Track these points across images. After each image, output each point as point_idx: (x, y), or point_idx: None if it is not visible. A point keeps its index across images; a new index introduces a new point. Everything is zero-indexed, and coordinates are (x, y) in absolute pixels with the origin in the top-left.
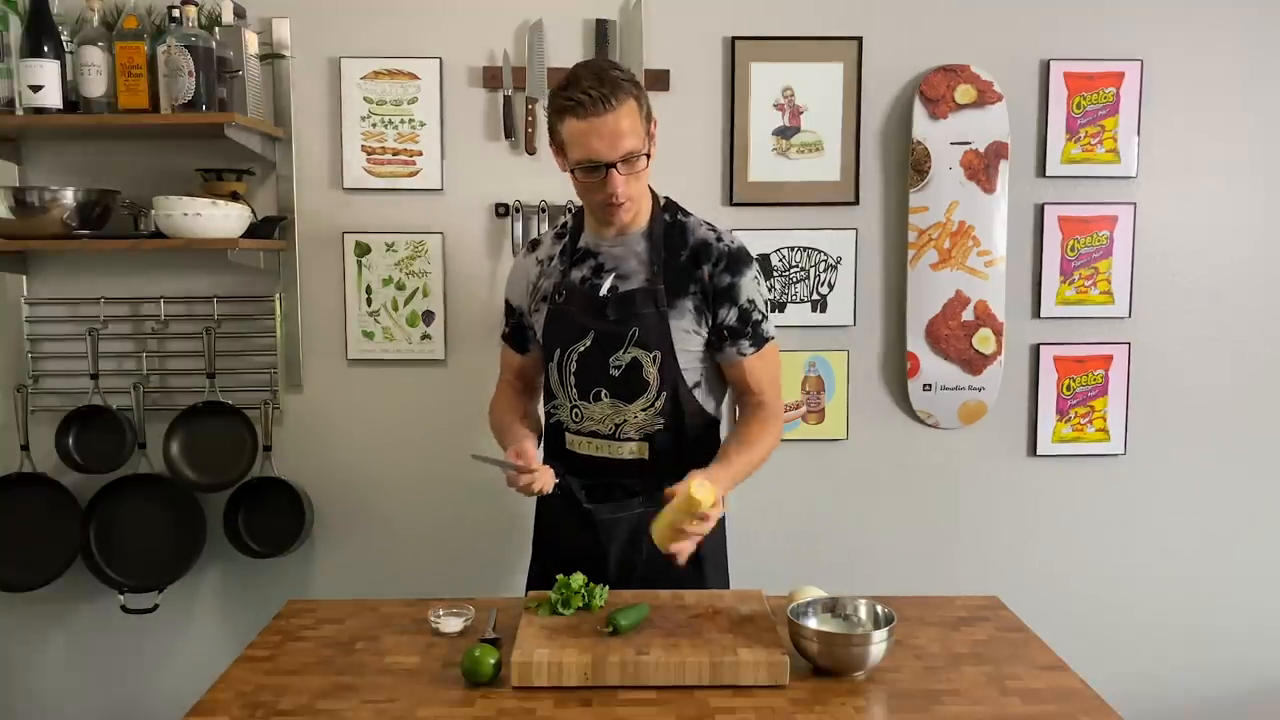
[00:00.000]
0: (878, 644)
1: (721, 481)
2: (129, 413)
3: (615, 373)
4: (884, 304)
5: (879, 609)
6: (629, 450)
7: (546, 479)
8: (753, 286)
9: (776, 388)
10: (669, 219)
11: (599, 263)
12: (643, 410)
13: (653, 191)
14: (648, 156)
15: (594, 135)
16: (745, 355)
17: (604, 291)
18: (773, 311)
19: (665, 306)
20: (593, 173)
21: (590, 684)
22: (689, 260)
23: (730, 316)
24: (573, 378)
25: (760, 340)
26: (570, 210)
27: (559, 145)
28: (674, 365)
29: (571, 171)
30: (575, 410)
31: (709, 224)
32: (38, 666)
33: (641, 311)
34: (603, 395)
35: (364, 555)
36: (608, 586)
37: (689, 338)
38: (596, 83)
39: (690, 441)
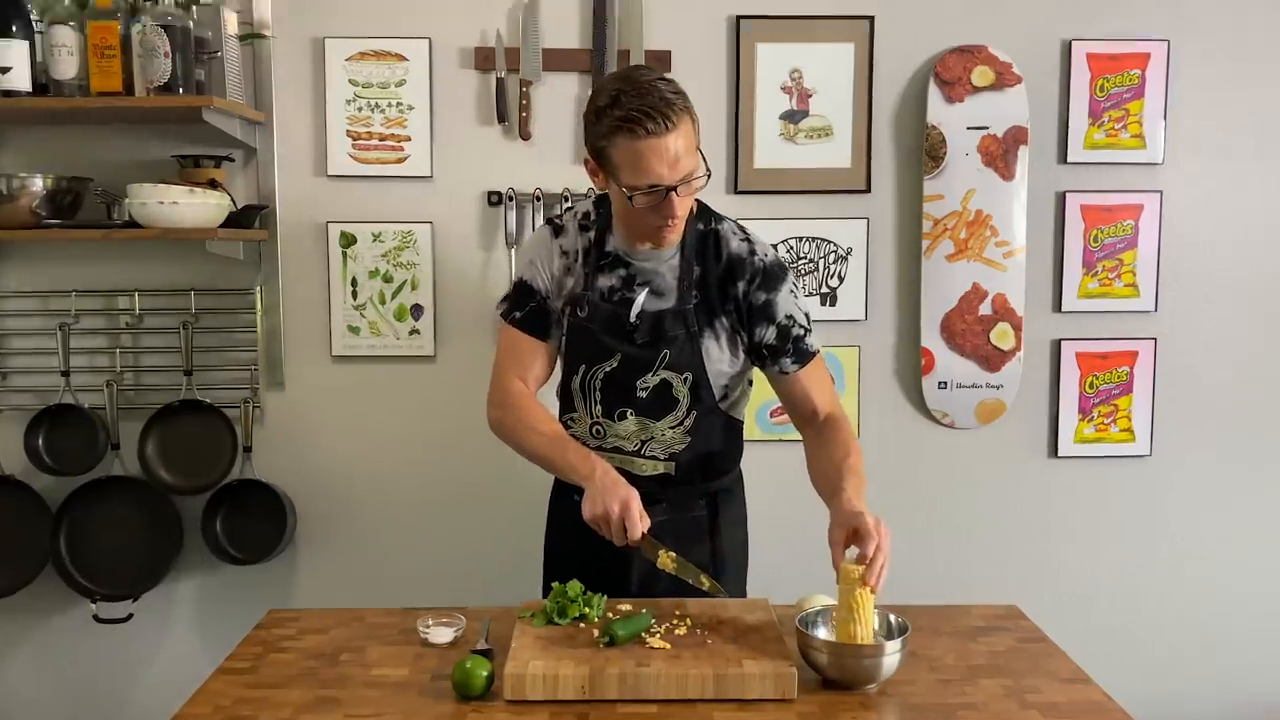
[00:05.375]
0: (891, 655)
1: (857, 501)
2: (101, 412)
3: (643, 394)
4: (897, 297)
5: (892, 618)
6: (652, 467)
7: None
8: (790, 302)
9: (833, 396)
10: (701, 227)
11: (629, 274)
12: (670, 428)
13: None
14: (707, 175)
15: (654, 157)
16: (788, 373)
17: (634, 316)
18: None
19: (696, 328)
20: (651, 196)
21: (588, 698)
22: (724, 276)
23: (769, 335)
24: (597, 394)
25: (804, 355)
26: (568, 197)
27: (609, 165)
28: (705, 384)
29: (628, 196)
30: (597, 426)
31: (743, 231)
32: (5, 678)
33: (672, 334)
34: (629, 415)
35: (349, 562)
36: (605, 596)
37: (721, 358)
38: (653, 99)
39: (716, 453)
